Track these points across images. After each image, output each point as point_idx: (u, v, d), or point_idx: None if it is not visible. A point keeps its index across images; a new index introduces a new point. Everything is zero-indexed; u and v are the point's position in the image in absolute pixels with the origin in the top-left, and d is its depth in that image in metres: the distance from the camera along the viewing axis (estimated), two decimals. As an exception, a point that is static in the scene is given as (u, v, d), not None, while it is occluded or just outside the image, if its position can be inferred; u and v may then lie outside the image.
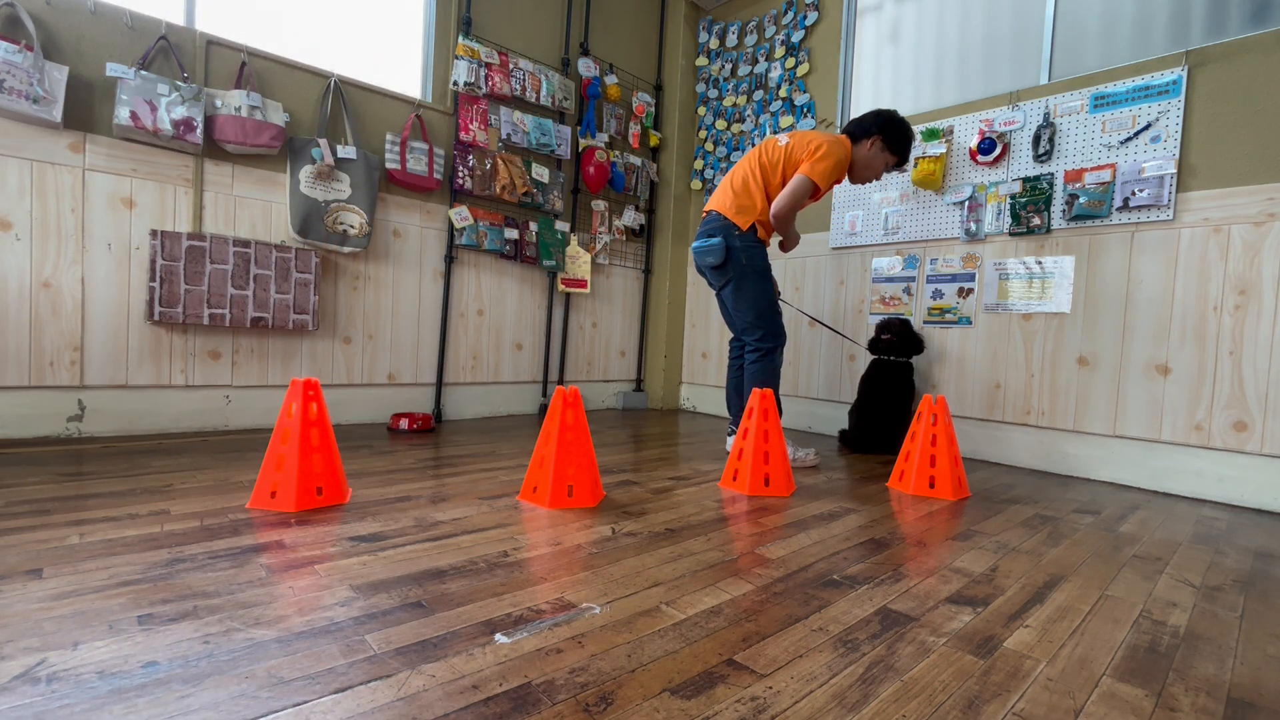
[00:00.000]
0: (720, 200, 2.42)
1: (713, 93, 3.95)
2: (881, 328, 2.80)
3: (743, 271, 2.36)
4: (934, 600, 1.19)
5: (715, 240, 2.37)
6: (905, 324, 2.77)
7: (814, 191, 2.31)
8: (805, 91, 3.48)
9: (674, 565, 1.30)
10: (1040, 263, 2.60)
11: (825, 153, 2.28)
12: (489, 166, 3.18)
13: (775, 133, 3.60)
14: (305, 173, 2.63)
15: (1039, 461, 2.61)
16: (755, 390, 1.98)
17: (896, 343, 2.75)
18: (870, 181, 2.51)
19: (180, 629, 0.92)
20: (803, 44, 3.49)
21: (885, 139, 2.38)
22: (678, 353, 4.17)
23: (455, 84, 3.05)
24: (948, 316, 2.88)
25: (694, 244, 2.47)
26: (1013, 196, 2.67)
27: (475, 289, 3.28)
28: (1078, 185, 2.48)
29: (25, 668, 0.80)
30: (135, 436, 2.31)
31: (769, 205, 2.36)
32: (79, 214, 2.21)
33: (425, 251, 3.07)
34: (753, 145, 3.72)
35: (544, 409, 3.57)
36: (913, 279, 3.00)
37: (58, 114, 2.08)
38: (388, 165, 2.88)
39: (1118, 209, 2.39)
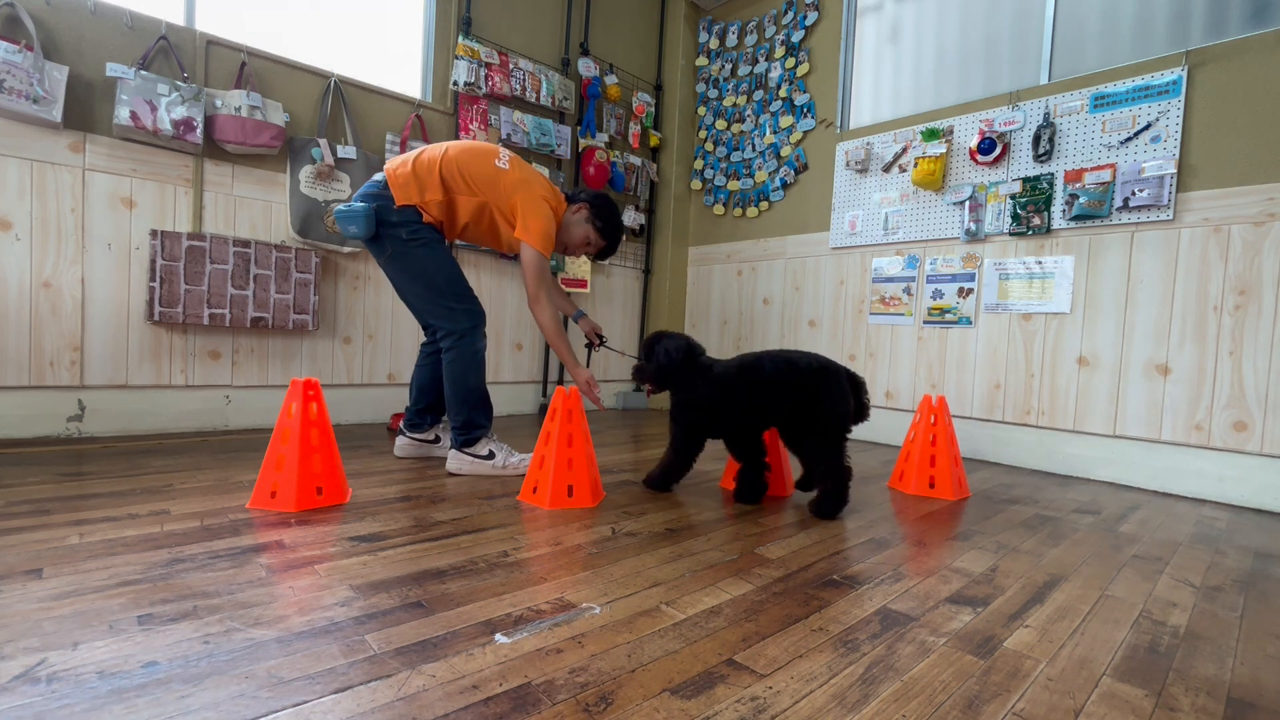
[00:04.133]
0: (393, 166, 1.99)
1: (713, 93, 3.95)
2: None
3: (405, 246, 1.96)
4: (934, 600, 1.19)
5: (359, 207, 1.91)
6: (657, 341, 1.92)
7: (548, 263, 2.04)
8: (805, 91, 3.48)
9: (674, 565, 1.30)
10: (1040, 263, 2.60)
11: (531, 210, 1.97)
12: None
13: (774, 133, 3.60)
14: (305, 173, 2.63)
15: (1039, 461, 2.61)
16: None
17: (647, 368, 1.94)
18: (568, 253, 2.22)
19: (180, 629, 0.92)
20: (803, 44, 3.49)
21: (592, 210, 2.12)
22: (678, 353, 4.17)
23: (455, 84, 3.05)
24: (948, 316, 2.88)
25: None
26: (1013, 196, 2.67)
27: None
28: (1078, 185, 2.48)
29: (25, 668, 0.80)
30: (135, 436, 2.31)
31: (443, 201, 1.98)
32: (79, 214, 2.21)
33: (425, 251, 3.07)
34: (753, 145, 3.72)
35: (544, 409, 3.57)
36: (913, 279, 3.00)
37: (58, 114, 2.08)
38: (388, 165, 2.88)
39: (1118, 209, 2.39)
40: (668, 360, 1.86)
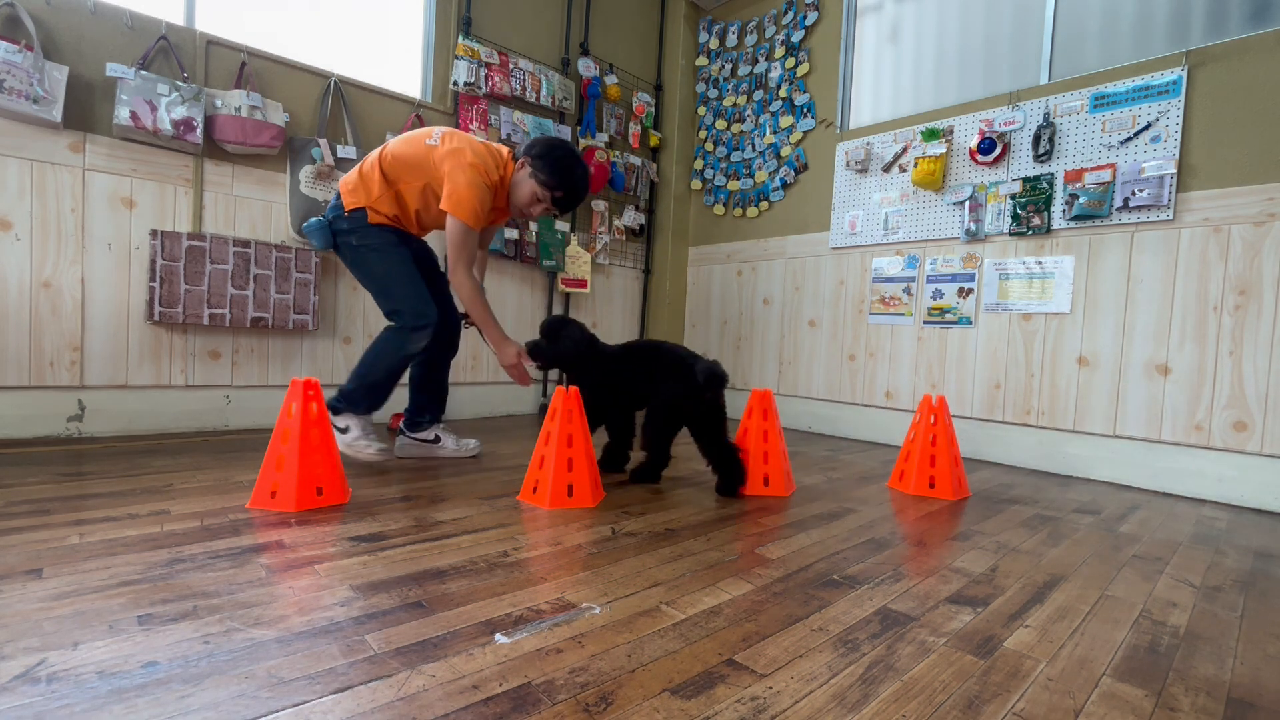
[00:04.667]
0: (345, 176, 2.06)
1: (713, 93, 3.95)
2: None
3: (356, 251, 2.00)
4: (934, 600, 1.19)
5: (314, 222, 2.00)
6: (562, 325, 2.04)
7: (474, 234, 1.94)
8: (805, 91, 3.48)
9: (674, 565, 1.30)
10: (1040, 263, 2.60)
11: (454, 178, 1.88)
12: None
13: (774, 133, 3.60)
14: (305, 173, 2.63)
15: (1039, 461, 2.61)
16: (754, 390, 1.97)
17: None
18: (526, 217, 2.10)
19: (180, 629, 0.92)
20: (803, 44, 3.49)
21: (533, 162, 1.96)
22: (678, 353, 4.17)
23: (455, 84, 3.05)
24: (948, 316, 2.88)
25: None
26: (1013, 196, 2.67)
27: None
28: (1078, 185, 2.48)
29: (25, 668, 0.80)
30: (135, 436, 2.31)
31: (390, 195, 1.97)
32: (79, 214, 2.21)
33: (425, 251, 3.07)
34: (753, 145, 3.72)
35: (544, 409, 3.57)
36: (913, 279, 3.00)
37: (58, 114, 2.08)
38: (388, 165, 2.88)
39: (1118, 209, 2.39)
40: (574, 348, 2.00)
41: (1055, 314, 2.57)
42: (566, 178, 1.97)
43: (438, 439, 2.22)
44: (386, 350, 1.96)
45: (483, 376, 3.33)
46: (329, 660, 0.85)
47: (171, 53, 2.33)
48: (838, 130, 3.33)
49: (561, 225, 3.53)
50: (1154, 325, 2.34)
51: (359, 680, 0.81)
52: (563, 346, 2.00)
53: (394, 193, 1.97)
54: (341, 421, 1.98)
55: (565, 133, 3.49)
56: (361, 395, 1.97)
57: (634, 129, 3.86)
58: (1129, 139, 2.37)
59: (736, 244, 3.84)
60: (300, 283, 2.60)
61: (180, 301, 2.34)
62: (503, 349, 2.03)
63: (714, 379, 1.84)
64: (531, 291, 3.52)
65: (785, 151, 3.56)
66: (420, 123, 2.97)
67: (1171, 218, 2.29)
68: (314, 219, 2.02)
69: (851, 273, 3.26)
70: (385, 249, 1.99)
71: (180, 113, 2.27)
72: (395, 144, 1.98)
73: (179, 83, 2.28)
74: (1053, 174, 2.56)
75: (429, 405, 2.19)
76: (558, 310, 3.66)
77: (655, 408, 1.95)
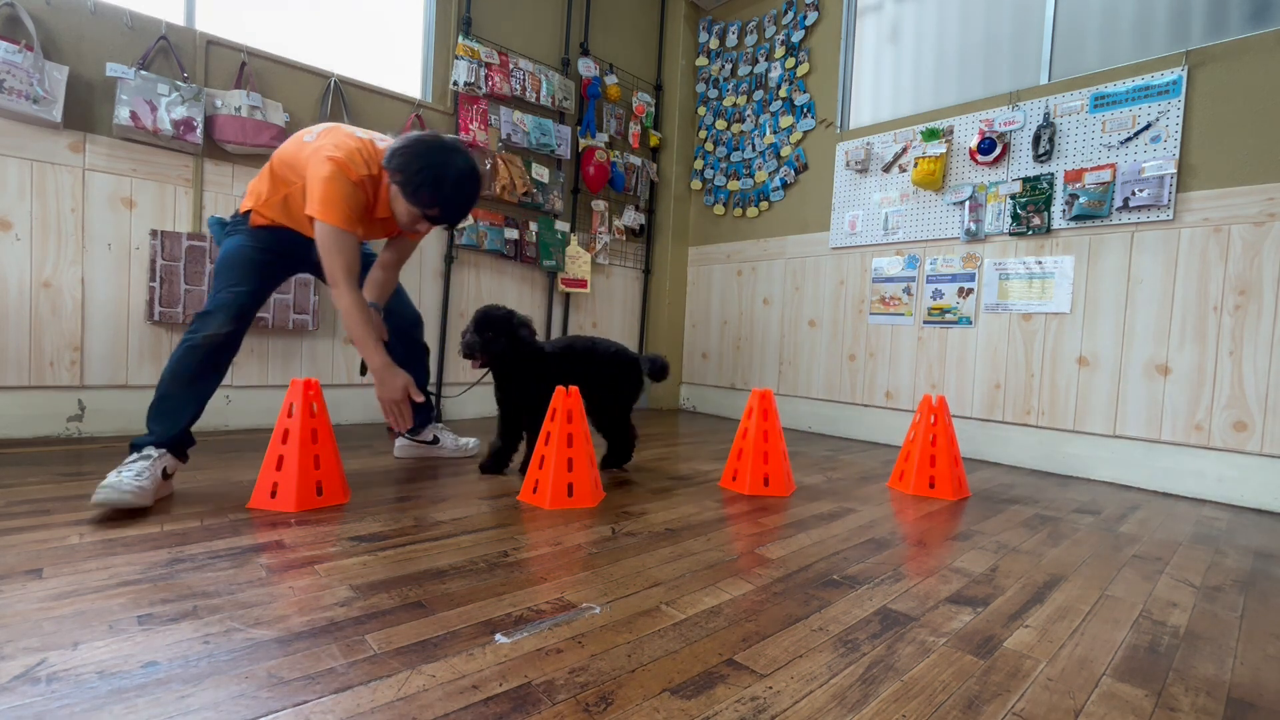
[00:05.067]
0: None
1: (713, 93, 3.95)
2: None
3: (222, 245, 1.79)
4: (934, 600, 1.19)
5: (213, 219, 1.84)
6: (510, 320, 1.92)
7: (348, 236, 1.63)
8: (805, 91, 3.48)
9: (674, 565, 1.30)
10: (1040, 263, 2.60)
11: (314, 177, 1.61)
12: (489, 166, 3.18)
13: (774, 133, 3.60)
14: (305, 173, 2.62)
15: (1039, 461, 2.61)
16: (755, 390, 1.97)
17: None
18: (410, 234, 1.85)
19: (180, 629, 0.92)
20: (803, 44, 3.49)
21: (393, 176, 1.64)
22: (678, 353, 4.17)
23: (455, 84, 3.05)
24: (948, 316, 2.88)
25: None
26: (1013, 196, 2.67)
27: (475, 289, 3.28)
28: (1078, 185, 2.48)
29: (25, 668, 0.80)
30: (135, 436, 2.30)
31: (277, 198, 1.73)
32: (79, 214, 2.21)
33: (425, 251, 3.07)
34: (753, 145, 3.72)
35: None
36: (913, 279, 3.00)
37: (58, 114, 2.08)
38: (388, 165, 2.88)
39: (1118, 209, 2.39)
40: (528, 345, 1.92)
41: (1055, 314, 2.57)
42: (434, 196, 1.63)
43: (436, 439, 2.22)
44: (175, 354, 1.61)
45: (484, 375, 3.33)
46: (329, 660, 0.85)
47: (171, 53, 2.33)
48: (838, 130, 3.33)
49: (561, 225, 3.53)
50: (1154, 325, 2.33)
51: (359, 680, 0.81)
52: (517, 343, 1.89)
53: (281, 196, 1.73)
54: (133, 458, 1.55)
55: (565, 133, 3.49)
56: (151, 416, 1.60)
57: (634, 129, 3.86)
58: (1129, 139, 2.37)
59: (736, 244, 3.84)
60: (300, 283, 2.60)
61: (180, 301, 2.34)
62: (385, 380, 1.69)
63: (661, 370, 2.11)
64: (531, 291, 3.52)
65: (785, 151, 3.56)
66: (420, 123, 2.97)
67: (1171, 218, 2.29)
68: (213, 216, 1.86)
69: (851, 273, 3.26)
70: (236, 236, 1.75)
71: (180, 113, 2.27)
72: (282, 146, 1.76)
73: (179, 83, 2.28)
74: (1053, 174, 2.56)
75: (417, 410, 2.13)
76: (558, 311, 3.65)
77: (618, 396, 2.07)
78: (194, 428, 1.76)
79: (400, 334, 2.05)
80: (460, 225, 1.66)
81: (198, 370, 1.60)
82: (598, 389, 2.04)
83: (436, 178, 1.62)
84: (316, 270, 1.88)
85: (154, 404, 1.60)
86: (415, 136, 1.64)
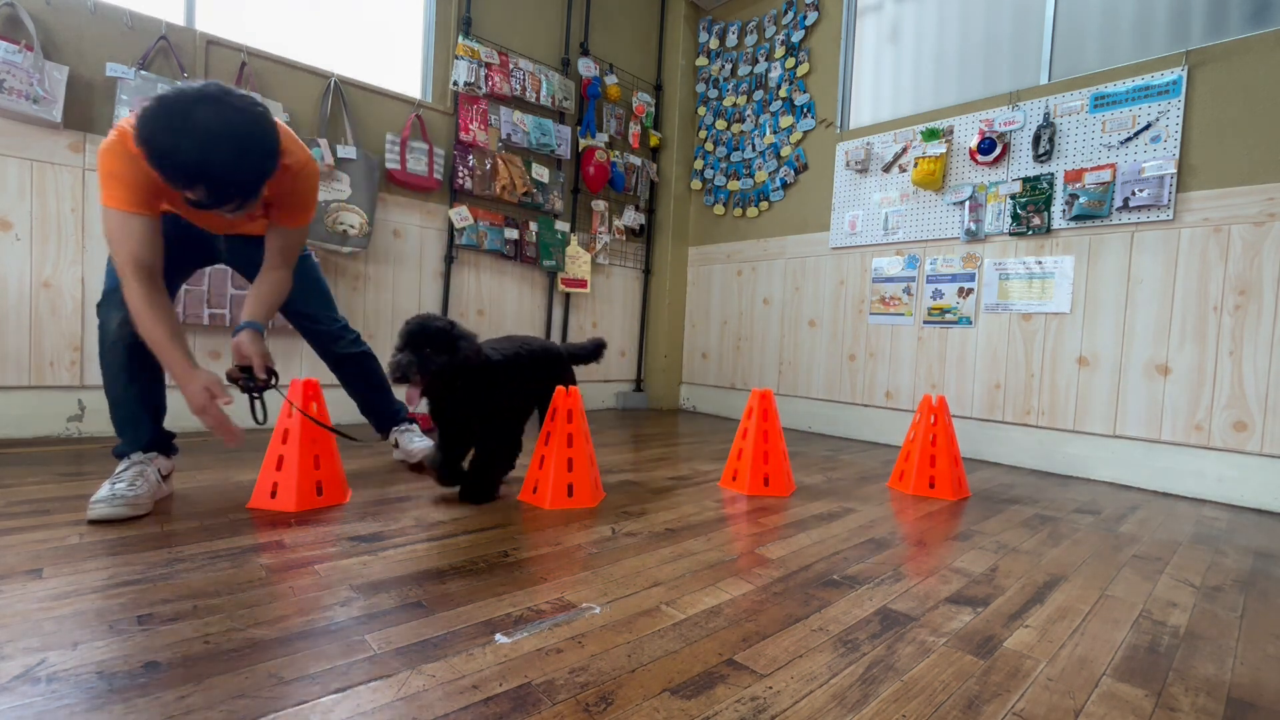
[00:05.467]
0: None
1: (713, 93, 3.95)
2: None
3: None
4: (934, 600, 1.19)
5: None
6: (453, 333, 1.57)
7: (131, 219, 1.34)
8: (805, 91, 3.48)
9: (674, 565, 1.30)
10: (1040, 263, 2.60)
11: (98, 164, 1.35)
12: (489, 166, 3.18)
13: (774, 133, 3.60)
14: (305, 173, 2.61)
15: (1039, 461, 2.61)
16: (755, 390, 1.97)
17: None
18: (195, 219, 1.58)
19: (180, 629, 0.92)
20: (803, 44, 3.49)
21: (147, 157, 1.20)
22: (678, 353, 4.17)
23: (455, 84, 3.05)
24: (948, 316, 2.88)
25: None
26: (1013, 196, 2.67)
27: (475, 289, 3.28)
28: (1078, 185, 2.48)
29: (25, 668, 0.80)
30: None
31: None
32: (79, 214, 2.21)
33: (425, 251, 3.07)
34: (753, 145, 3.72)
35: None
36: (913, 279, 3.00)
37: (58, 114, 2.08)
38: (388, 165, 2.88)
39: (1118, 209, 2.39)
40: (476, 355, 1.58)
41: (1055, 314, 2.57)
42: (182, 172, 1.20)
43: (396, 444, 2.09)
44: (99, 350, 1.49)
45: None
46: (329, 660, 0.85)
47: (171, 53, 2.33)
48: (838, 130, 3.33)
49: (561, 225, 3.53)
50: (1154, 325, 2.33)
51: (359, 680, 0.81)
52: (462, 356, 1.54)
53: None
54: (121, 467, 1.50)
55: (565, 133, 3.48)
56: (116, 426, 1.53)
57: (634, 129, 3.86)
58: (1129, 139, 2.37)
59: (736, 244, 3.84)
60: (300, 283, 2.60)
61: (180, 301, 2.34)
62: (186, 386, 1.36)
63: (598, 350, 2.05)
64: (531, 291, 3.52)
65: (785, 151, 3.56)
66: (420, 123, 2.97)
67: (1171, 218, 2.29)
68: None
69: (851, 273, 3.26)
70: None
71: (180, 113, 2.27)
72: None
73: (179, 83, 2.28)
74: (1053, 174, 2.56)
75: (381, 413, 2.06)
76: (558, 311, 3.65)
77: (548, 394, 1.84)
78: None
79: (326, 355, 1.86)
80: (246, 200, 1.33)
81: (128, 372, 1.47)
82: (543, 389, 1.85)
83: (174, 146, 1.17)
84: (233, 263, 1.72)
85: (110, 413, 1.51)
86: (156, 96, 1.20)
